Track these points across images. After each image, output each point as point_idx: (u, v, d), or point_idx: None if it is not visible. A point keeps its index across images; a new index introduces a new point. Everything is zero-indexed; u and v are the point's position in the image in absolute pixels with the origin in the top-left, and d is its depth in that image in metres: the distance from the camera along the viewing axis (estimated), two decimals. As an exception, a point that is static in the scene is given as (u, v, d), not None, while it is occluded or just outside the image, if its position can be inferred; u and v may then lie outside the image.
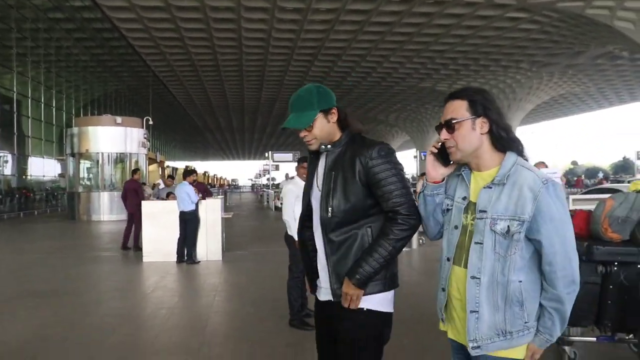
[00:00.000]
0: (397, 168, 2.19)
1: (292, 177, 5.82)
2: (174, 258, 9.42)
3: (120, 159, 22.14)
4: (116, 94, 41.19)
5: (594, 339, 4.12)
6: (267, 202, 30.45)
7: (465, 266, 1.92)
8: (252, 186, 74.42)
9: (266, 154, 36.32)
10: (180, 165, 59.11)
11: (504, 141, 1.92)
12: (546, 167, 8.29)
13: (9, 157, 27.51)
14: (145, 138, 22.70)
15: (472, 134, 1.91)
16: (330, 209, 2.19)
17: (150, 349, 4.80)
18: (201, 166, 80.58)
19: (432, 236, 2.16)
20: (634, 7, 19.53)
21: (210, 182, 62.82)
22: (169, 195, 10.72)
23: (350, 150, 2.23)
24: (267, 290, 7.13)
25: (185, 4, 20.30)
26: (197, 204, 9.54)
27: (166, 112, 45.97)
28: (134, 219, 11.32)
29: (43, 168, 30.56)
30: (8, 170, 27.76)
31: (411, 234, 2.16)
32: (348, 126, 2.29)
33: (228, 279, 8.49)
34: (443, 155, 2.00)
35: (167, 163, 44.05)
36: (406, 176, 2.39)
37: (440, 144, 1.99)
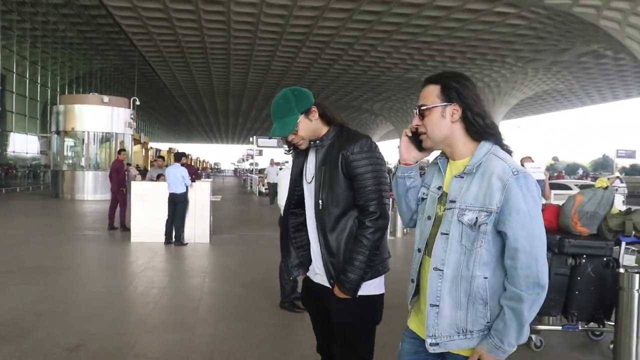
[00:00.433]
0: (377, 164, 2.28)
1: (286, 162, 5.95)
2: (163, 239, 9.58)
3: (106, 139, 22.04)
4: (101, 73, 40.74)
5: (560, 327, 4.40)
6: (251, 187, 30.60)
7: None
8: (235, 170, 74.34)
9: (250, 139, 36.21)
10: (164, 147, 58.78)
11: (480, 128, 1.81)
12: (532, 162, 8.52)
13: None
14: (131, 118, 22.62)
15: (441, 122, 1.83)
16: (320, 202, 2.32)
17: (144, 326, 4.89)
18: (184, 148, 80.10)
19: (405, 222, 2.11)
20: (619, 7, 19.90)
21: (192, 164, 62.42)
22: (159, 177, 10.83)
23: (337, 143, 2.34)
24: (256, 273, 7.33)
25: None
26: (187, 187, 9.68)
27: (151, 92, 45.54)
28: (118, 198, 11.48)
29: (27, 145, 30.20)
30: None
31: (382, 234, 2.29)
32: (331, 119, 2.40)
33: (217, 261, 8.65)
34: (417, 140, 1.96)
35: (150, 144, 43.70)
36: (389, 166, 2.58)
37: (416, 128, 1.94)
